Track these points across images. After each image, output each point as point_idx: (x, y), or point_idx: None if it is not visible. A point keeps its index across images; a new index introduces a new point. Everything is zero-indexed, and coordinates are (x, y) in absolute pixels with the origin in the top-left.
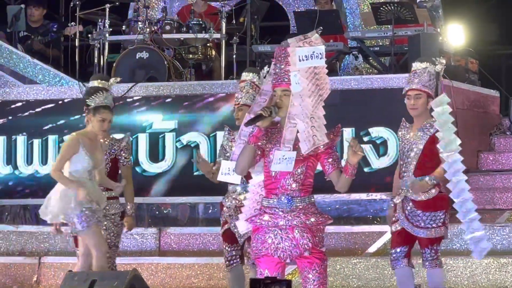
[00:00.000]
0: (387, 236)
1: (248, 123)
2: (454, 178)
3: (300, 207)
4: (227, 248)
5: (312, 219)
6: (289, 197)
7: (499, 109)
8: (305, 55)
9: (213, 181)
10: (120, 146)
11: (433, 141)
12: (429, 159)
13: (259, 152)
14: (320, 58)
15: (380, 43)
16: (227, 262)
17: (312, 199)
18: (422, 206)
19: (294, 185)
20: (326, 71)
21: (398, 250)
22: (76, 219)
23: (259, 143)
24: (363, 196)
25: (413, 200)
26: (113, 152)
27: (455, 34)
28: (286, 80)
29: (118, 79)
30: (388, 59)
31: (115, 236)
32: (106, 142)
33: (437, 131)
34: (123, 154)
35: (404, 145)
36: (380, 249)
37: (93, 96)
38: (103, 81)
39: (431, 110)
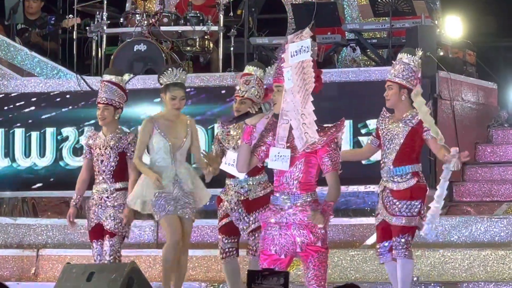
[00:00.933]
0: None
1: (232, 121)
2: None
3: (298, 204)
4: (224, 240)
5: (305, 217)
6: (288, 195)
7: (496, 101)
8: (295, 50)
9: (206, 179)
10: (128, 140)
11: (415, 132)
12: (410, 150)
13: (265, 149)
14: (307, 52)
15: (378, 35)
16: (224, 254)
17: (313, 196)
18: (399, 195)
19: (292, 183)
20: (312, 64)
21: (384, 244)
22: (153, 207)
23: (266, 140)
24: (361, 188)
25: (391, 189)
26: (121, 146)
27: (453, 26)
28: (278, 75)
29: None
30: (385, 51)
31: (122, 227)
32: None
33: (418, 123)
34: (131, 148)
35: (385, 135)
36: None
37: (163, 74)
38: (118, 76)
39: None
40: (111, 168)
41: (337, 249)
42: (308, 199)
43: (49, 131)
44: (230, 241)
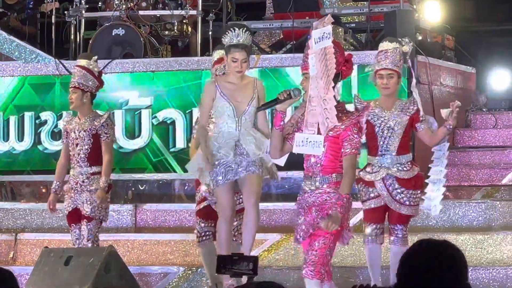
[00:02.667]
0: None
1: (261, 107)
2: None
3: (320, 186)
4: (201, 224)
5: (327, 198)
6: (311, 178)
7: (475, 86)
8: (318, 37)
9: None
10: (101, 122)
11: (412, 121)
12: (408, 138)
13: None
14: (328, 38)
15: (356, 20)
16: (200, 238)
17: (336, 178)
18: (405, 184)
19: (315, 166)
20: (333, 50)
21: (374, 227)
22: (210, 176)
23: (301, 126)
24: None
25: (397, 177)
26: (94, 128)
27: (432, 11)
28: (305, 63)
29: (96, 57)
30: (364, 35)
31: (99, 211)
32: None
33: (415, 112)
34: (104, 130)
35: (381, 123)
36: (356, 225)
37: (225, 34)
38: (87, 60)
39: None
40: (86, 151)
41: None
42: (329, 182)
43: (28, 115)
44: (207, 224)
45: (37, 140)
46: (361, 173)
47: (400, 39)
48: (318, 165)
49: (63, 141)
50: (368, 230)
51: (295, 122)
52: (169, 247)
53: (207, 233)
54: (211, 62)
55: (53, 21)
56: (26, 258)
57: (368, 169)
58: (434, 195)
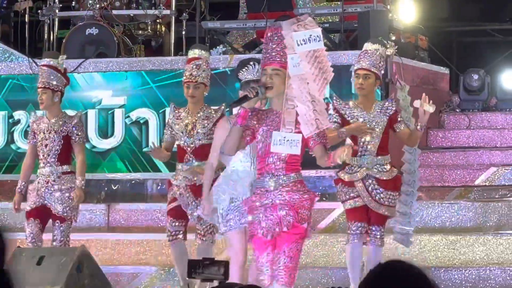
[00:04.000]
0: (336, 213)
1: (232, 105)
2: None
3: (284, 185)
4: (171, 223)
5: (296, 197)
6: (274, 176)
7: (448, 86)
8: (302, 39)
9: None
10: (72, 123)
11: (390, 122)
12: (387, 139)
13: (249, 133)
14: (319, 41)
15: (330, 20)
16: (170, 236)
17: (299, 177)
18: (384, 185)
19: (278, 163)
20: (326, 53)
21: (359, 225)
22: (220, 218)
23: (250, 124)
24: (311, 173)
25: (377, 178)
26: (65, 130)
27: (405, 11)
28: (278, 59)
29: (65, 56)
30: (337, 36)
31: (71, 210)
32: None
33: (394, 113)
34: (75, 131)
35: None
36: (328, 226)
37: (243, 70)
38: (54, 59)
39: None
40: (56, 152)
41: None
42: (294, 180)
43: (1, 114)
44: (177, 224)
45: (10, 140)
46: (339, 173)
47: (385, 41)
48: (282, 162)
49: (29, 142)
50: (353, 227)
51: (256, 120)
52: (142, 247)
53: (177, 232)
54: (185, 61)
55: (26, 20)
56: None
57: (346, 169)
58: (406, 229)
